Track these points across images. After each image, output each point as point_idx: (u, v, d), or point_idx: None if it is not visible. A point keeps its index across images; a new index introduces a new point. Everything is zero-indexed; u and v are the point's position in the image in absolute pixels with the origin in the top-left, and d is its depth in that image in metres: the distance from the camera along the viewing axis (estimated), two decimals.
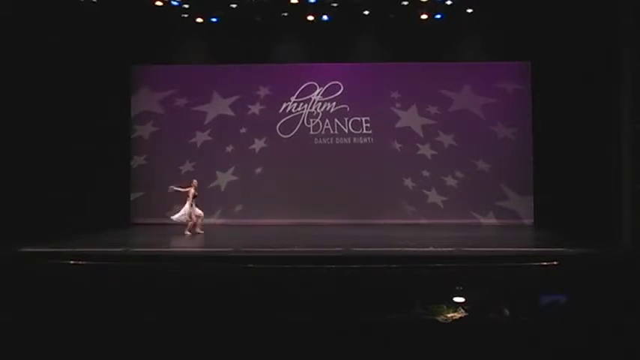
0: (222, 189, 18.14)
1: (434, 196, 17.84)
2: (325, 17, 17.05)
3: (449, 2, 16.38)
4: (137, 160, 18.24)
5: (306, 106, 18.12)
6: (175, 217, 15.18)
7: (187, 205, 15.09)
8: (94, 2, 15.66)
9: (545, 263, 10.06)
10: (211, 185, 17.99)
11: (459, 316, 5.75)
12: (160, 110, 18.27)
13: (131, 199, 18.10)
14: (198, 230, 15.27)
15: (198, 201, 15.39)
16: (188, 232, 15.08)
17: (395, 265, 10.08)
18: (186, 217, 15.07)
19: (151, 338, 5.07)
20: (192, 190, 15.20)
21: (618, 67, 13.16)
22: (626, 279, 7.15)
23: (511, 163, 17.54)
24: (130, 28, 16.88)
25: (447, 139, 17.85)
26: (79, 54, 15.58)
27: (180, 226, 15.22)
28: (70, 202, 15.04)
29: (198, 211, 15.33)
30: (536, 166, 17.16)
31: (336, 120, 18.06)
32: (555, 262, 10.11)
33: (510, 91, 17.70)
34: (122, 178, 17.84)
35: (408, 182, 17.87)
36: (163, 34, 17.46)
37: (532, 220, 17.30)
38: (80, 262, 10.16)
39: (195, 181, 15.50)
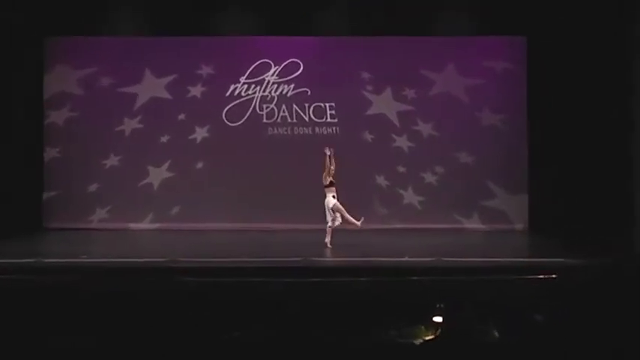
0: (155, 187, 17.99)
1: (410, 196, 17.95)
2: None
3: None
4: (50, 153, 17.98)
5: (258, 88, 18.06)
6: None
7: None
8: None
9: (541, 276, 10.20)
10: (142, 183, 17.86)
11: (439, 338, 5.81)
12: (79, 91, 18.02)
13: (43, 199, 17.87)
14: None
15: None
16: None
17: (363, 279, 10.14)
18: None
19: None
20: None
21: (631, 46, 13.30)
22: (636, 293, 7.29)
23: (500, 156, 17.69)
24: None
25: (426, 129, 17.97)
26: None
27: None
28: None
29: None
30: (531, 159, 17.32)
31: (294, 105, 18.05)
32: (554, 275, 10.26)
33: (501, 70, 17.88)
34: (32, 174, 17.55)
35: (381, 180, 17.96)
36: (85, 1, 17.24)
37: (525, 225, 17.52)
38: None
39: None
